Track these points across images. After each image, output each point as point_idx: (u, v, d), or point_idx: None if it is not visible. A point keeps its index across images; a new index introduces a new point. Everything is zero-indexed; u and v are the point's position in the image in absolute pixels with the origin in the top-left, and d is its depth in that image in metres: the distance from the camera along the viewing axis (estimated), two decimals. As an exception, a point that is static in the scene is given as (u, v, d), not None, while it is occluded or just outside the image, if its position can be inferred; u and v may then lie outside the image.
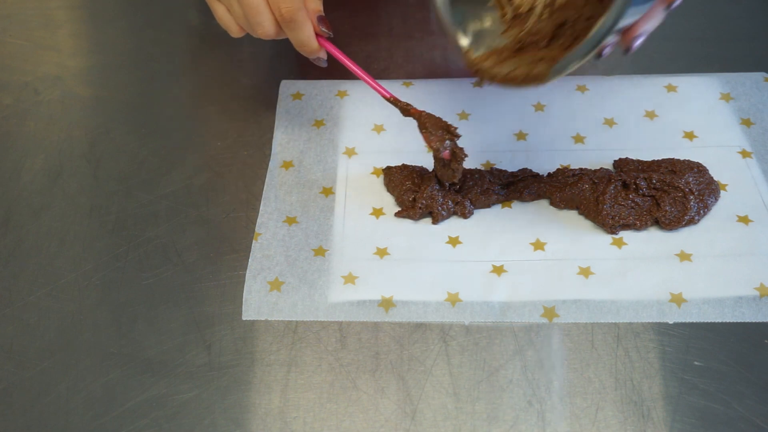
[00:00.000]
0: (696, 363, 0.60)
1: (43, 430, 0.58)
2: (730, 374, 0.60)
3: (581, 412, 0.58)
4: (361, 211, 0.70)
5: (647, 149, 0.73)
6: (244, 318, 0.64)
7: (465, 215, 0.69)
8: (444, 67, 0.83)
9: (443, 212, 0.69)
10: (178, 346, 0.62)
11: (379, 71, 0.83)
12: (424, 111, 0.68)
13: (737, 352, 0.61)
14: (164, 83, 0.83)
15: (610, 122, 0.76)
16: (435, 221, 0.69)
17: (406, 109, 0.68)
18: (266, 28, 0.67)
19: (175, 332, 0.63)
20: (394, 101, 0.68)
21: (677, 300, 0.63)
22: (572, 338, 0.62)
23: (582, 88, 0.79)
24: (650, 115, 0.77)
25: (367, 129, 0.77)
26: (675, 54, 0.83)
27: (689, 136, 0.75)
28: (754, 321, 0.62)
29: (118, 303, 0.65)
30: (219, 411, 0.59)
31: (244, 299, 0.64)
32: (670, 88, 0.79)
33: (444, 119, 0.68)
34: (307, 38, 0.67)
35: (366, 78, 0.68)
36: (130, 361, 0.61)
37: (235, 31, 0.70)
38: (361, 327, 0.63)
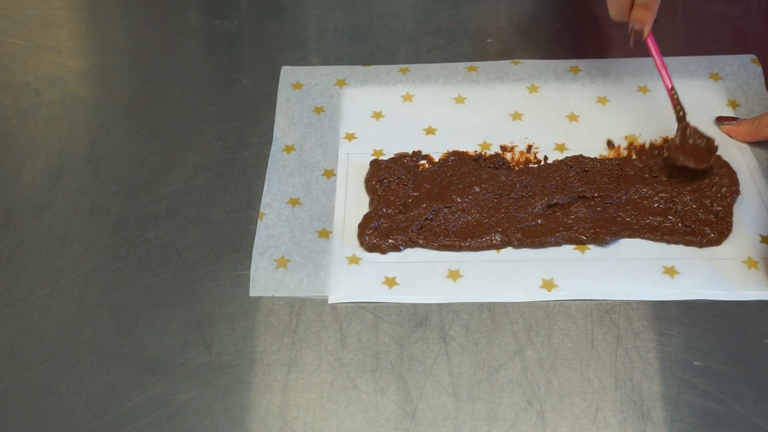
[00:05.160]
0: (695, 363, 0.60)
1: (43, 430, 0.58)
2: (730, 374, 0.60)
3: (581, 412, 0.58)
4: (363, 193, 0.72)
5: (639, 127, 0.76)
6: (251, 294, 0.65)
7: (398, 249, 0.68)
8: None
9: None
10: (179, 346, 0.62)
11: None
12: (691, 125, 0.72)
13: (737, 352, 0.61)
14: (164, 83, 0.83)
15: (602, 101, 0.79)
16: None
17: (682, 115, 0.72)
18: None
19: (175, 332, 0.63)
20: (675, 99, 0.72)
21: (670, 272, 0.65)
22: (572, 338, 0.62)
23: (575, 69, 0.82)
24: (642, 92, 0.79)
25: (366, 116, 0.78)
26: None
27: None
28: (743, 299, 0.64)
29: (118, 303, 0.65)
30: (219, 411, 0.59)
31: (251, 276, 0.65)
32: None
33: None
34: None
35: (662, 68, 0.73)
36: (131, 361, 0.61)
37: None
38: (361, 327, 0.63)
